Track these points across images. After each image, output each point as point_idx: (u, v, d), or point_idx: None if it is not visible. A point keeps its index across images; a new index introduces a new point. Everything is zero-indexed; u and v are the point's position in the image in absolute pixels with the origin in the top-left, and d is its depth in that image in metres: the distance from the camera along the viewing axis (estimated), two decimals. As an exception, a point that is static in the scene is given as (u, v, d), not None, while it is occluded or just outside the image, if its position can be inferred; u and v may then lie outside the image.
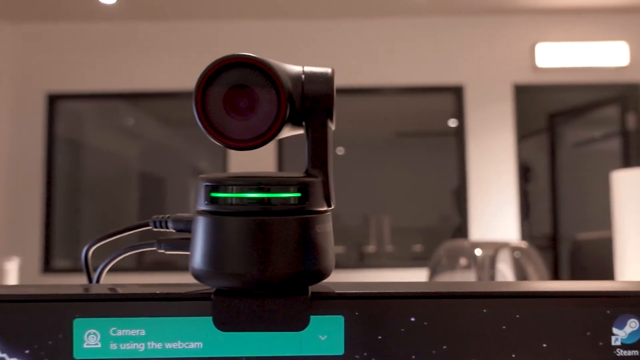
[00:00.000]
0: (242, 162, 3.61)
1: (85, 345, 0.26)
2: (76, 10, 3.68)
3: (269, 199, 0.24)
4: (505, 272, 1.13)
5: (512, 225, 3.64)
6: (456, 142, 3.75)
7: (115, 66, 3.85)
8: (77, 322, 0.26)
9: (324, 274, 0.26)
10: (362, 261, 4.13)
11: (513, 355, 0.28)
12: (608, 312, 0.28)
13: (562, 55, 3.64)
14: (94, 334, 0.27)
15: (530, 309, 0.28)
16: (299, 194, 0.25)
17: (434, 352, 0.28)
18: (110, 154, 4.48)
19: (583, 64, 3.65)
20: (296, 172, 0.27)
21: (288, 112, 0.25)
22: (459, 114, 3.74)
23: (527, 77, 3.69)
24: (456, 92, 3.74)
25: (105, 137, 4.46)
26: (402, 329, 0.28)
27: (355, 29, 3.78)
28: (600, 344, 0.28)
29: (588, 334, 0.29)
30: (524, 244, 1.20)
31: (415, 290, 0.28)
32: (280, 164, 3.65)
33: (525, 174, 3.98)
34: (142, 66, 3.85)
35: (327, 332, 0.27)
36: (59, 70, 3.87)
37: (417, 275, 3.31)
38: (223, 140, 0.25)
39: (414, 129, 4.70)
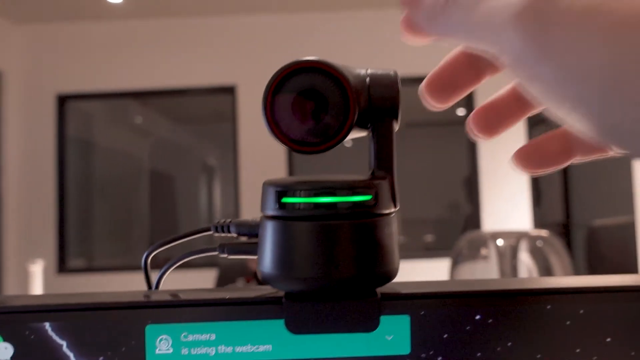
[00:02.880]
0: (252, 158, 3.62)
1: (157, 351, 0.27)
2: (83, 11, 3.69)
3: (338, 203, 0.24)
4: (527, 262, 1.13)
5: (525, 213, 3.63)
6: (465, 131, 3.74)
7: (123, 65, 3.87)
8: (149, 329, 0.27)
9: (391, 276, 0.26)
10: (374, 253, 4.13)
11: (577, 350, 0.28)
12: (671, 305, 0.29)
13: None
14: (166, 339, 0.27)
15: (594, 304, 0.28)
16: (368, 197, 0.25)
17: (499, 349, 0.28)
18: (120, 153, 4.50)
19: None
20: (360, 174, 0.27)
21: (357, 115, 0.25)
22: (468, 103, 3.73)
23: (536, 64, 3.67)
24: (465, 81, 3.73)
25: (115, 136, 4.48)
26: (468, 327, 0.28)
27: (361, 19, 3.77)
28: (664, 336, 0.29)
29: (651, 327, 0.29)
30: (544, 233, 1.20)
31: (479, 289, 0.28)
32: (291, 162, 3.66)
33: (536, 161, 3.97)
34: (149, 64, 3.86)
35: (393, 332, 0.28)
36: (68, 71, 3.89)
37: (437, 266, 3.31)
38: (292, 145, 0.25)
39: (422, 119, 4.69)
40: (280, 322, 0.26)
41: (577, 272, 3.71)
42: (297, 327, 0.26)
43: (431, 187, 4.43)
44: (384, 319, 0.27)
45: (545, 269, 1.16)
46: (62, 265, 3.82)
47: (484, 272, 1.22)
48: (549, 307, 0.28)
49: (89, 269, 4.00)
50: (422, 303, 0.28)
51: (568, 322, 0.28)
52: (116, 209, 4.49)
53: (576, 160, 0.28)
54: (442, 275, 2.50)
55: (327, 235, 0.24)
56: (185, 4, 3.65)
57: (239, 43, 3.81)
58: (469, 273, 1.26)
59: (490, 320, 0.28)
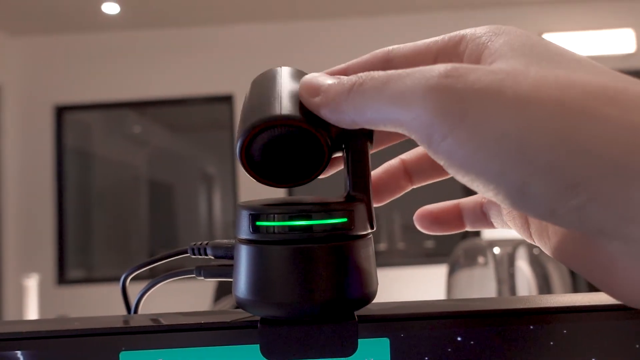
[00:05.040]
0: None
1: (131, 378, 0.26)
2: (80, 22, 3.70)
3: (313, 226, 0.24)
4: (524, 270, 1.12)
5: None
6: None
7: (121, 75, 3.87)
8: (123, 355, 0.26)
9: (369, 298, 0.26)
10: (374, 260, 4.11)
11: (562, 371, 0.28)
12: (656, 323, 0.28)
13: (568, 45, 3.61)
14: (140, 366, 0.26)
15: (578, 324, 0.28)
16: (344, 219, 0.24)
17: (481, 370, 0.28)
18: (118, 163, 4.50)
19: (590, 53, 3.62)
20: (335, 196, 0.26)
21: (330, 153, 0.25)
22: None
23: (533, 69, 3.67)
24: (462, 87, 3.74)
25: (113, 147, 4.48)
26: (449, 349, 0.27)
27: (357, 27, 3.77)
28: (650, 356, 0.28)
29: (637, 346, 0.28)
30: (542, 240, 1.20)
31: (460, 309, 0.28)
32: None
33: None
34: (147, 74, 3.87)
35: (372, 355, 0.27)
36: (66, 82, 3.89)
37: (435, 273, 3.30)
38: (270, 184, 0.26)
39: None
40: (256, 348, 0.26)
41: (576, 279, 3.70)
42: (272, 352, 0.25)
43: (430, 192, 4.41)
44: (362, 342, 0.27)
45: (543, 277, 1.15)
46: (62, 277, 3.81)
47: (481, 280, 1.21)
48: (531, 327, 0.28)
49: (89, 280, 3.99)
50: (402, 325, 0.27)
51: (552, 343, 0.28)
52: (115, 219, 4.48)
53: (467, 229, 0.32)
54: (441, 282, 2.50)
55: (303, 259, 0.24)
56: (181, 14, 3.66)
57: (236, 52, 3.82)
58: (466, 281, 1.25)
59: (472, 342, 0.27)
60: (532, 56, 0.20)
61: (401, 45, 0.26)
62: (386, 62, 0.26)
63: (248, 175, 0.26)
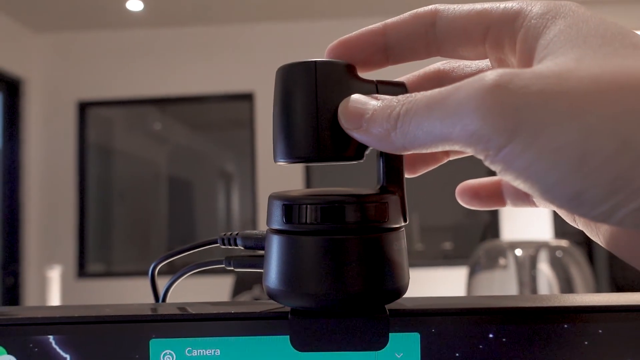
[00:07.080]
0: (270, 164, 3.63)
1: (161, 366, 0.26)
2: (104, 19, 3.74)
3: (346, 217, 0.24)
4: (546, 272, 1.11)
5: (545, 221, 3.57)
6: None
7: (143, 72, 3.91)
8: (153, 343, 0.26)
9: (401, 292, 0.26)
10: (391, 260, 4.09)
11: (596, 371, 0.27)
12: (695, 324, 0.27)
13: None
14: (170, 354, 0.26)
15: (613, 324, 0.27)
16: (378, 212, 0.24)
17: (513, 368, 0.27)
18: (139, 159, 4.54)
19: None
20: (368, 188, 0.26)
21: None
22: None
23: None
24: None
25: (134, 143, 4.52)
26: (480, 346, 0.27)
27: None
28: (688, 358, 0.27)
29: (675, 348, 0.27)
30: (565, 243, 1.18)
31: (492, 306, 0.27)
32: (308, 168, 3.66)
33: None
34: (169, 71, 3.90)
35: (403, 350, 0.27)
36: (89, 78, 3.94)
37: (453, 275, 3.28)
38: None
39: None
40: (286, 339, 0.26)
41: (598, 282, 3.64)
42: (302, 344, 0.25)
43: (448, 194, 4.38)
44: (393, 337, 0.26)
45: (565, 280, 1.13)
46: (82, 270, 3.86)
47: (502, 282, 1.20)
48: (566, 326, 0.27)
49: (108, 274, 4.04)
50: (433, 320, 0.27)
51: (586, 342, 0.27)
52: (135, 214, 4.53)
53: (508, 206, 0.31)
54: (460, 284, 2.48)
55: (335, 250, 0.24)
56: (204, 11, 3.68)
57: (257, 50, 3.83)
58: (487, 283, 1.24)
59: (504, 339, 0.27)
60: (587, 46, 0.19)
61: (449, 7, 0.24)
62: (430, 26, 0.25)
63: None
